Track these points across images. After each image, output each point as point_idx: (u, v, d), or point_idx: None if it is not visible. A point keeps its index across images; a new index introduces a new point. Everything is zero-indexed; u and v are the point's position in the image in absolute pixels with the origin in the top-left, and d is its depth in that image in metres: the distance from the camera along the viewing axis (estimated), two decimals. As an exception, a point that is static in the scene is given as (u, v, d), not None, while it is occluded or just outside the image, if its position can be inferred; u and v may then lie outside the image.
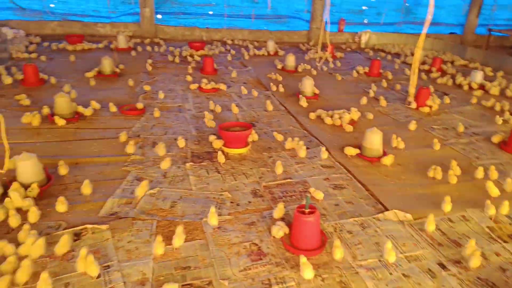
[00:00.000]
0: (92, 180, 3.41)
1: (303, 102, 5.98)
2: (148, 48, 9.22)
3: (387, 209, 3.34)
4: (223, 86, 6.55)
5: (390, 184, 3.82)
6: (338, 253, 2.69)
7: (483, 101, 6.50)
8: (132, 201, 3.27)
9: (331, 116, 5.38)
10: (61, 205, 3.05)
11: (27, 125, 4.64)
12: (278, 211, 3.12)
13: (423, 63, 9.07)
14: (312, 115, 5.47)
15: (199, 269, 2.57)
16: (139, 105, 5.34)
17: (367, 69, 8.21)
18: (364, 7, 12.38)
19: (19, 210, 3.01)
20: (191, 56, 8.77)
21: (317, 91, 6.48)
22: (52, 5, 10.26)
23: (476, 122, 5.67)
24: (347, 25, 12.05)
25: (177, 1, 10.95)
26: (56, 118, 4.71)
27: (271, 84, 6.91)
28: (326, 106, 5.89)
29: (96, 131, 4.65)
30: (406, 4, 12.54)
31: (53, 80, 6.29)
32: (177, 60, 8.29)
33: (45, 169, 3.49)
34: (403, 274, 2.62)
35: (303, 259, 2.55)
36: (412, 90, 6.20)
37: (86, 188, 3.29)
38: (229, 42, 10.79)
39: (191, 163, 3.98)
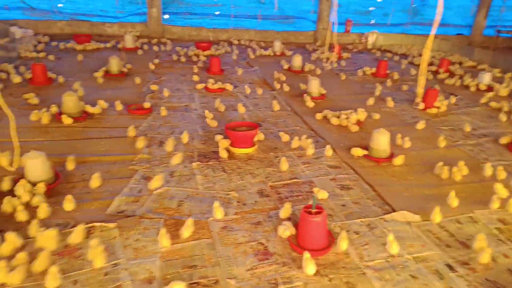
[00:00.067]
0: (97, 187, 3.46)
1: (309, 103, 5.97)
2: (155, 48, 9.27)
3: (394, 210, 3.32)
4: (229, 86, 6.56)
5: (397, 185, 3.80)
6: (344, 244, 2.75)
7: (491, 102, 6.46)
8: (139, 199, 3.29)
9: (338, 117, 5.37)
10: (68, 203, 3.08)
11: (35, 123, 4.69)
12: (285, 211, 3.12)
13: (431, 64, 9.02)
14: (319, 116, 5.46)
15: (206, 268, 2.58)
16: (146, 105, 5.36)
17: (374, 70, 8.18)
18: (371, 8, 12.34)
19: (28, 206, 3.04)
20: (197, 56, 8.80)
21: (323, 92, 6.47)
22: (60, 5, 10.34)
23: (484, 124, 5.63)
24: (354, 26, 12.02)
25: (184, 1, 10.99)
26: (63, 117, 4.75)
27: (277, 84, 6.91)
28: (333, 107, 5.88)
29: (103, 130, 4.68)
30: (414, 5, 12.48)
31: (61, 79, 6.34)
32: (183, 59, 8.32)
33: (53, 167, 3.51)
34: (411, 275, 2.60)
35: (306, 255, 2.57)
36: (420, 91, 6.17)
37: (95, 181, 3.38)
38: (235, 42, 10.81)
39: (198, 163, 3.99)
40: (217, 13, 11.38)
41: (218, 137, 4.42)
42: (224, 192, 3.48)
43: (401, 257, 2.77)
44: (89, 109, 5.05)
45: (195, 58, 8.43)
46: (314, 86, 6.32)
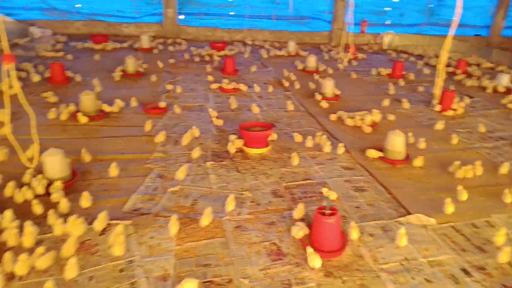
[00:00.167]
0: (115, 176, 3.57)
1: (323, 103, 5.95)
2: (170, 48, 9.35)
3: (409, 213, 3.29)
4: (243, 86, 6.58)
5: (412, 187, 3.76)
6: (355, 233, 2.85)
7: (509, 104, 6.34)
8: (155, 197, 3.33)
9: (352, 118, 5.34)
10: (85, 201, 3.14)
11: (53, 121, 4.79)
12: (298, 211, 3.12)
13: (448, 65, 8.89)
14: (333, 116, 5.44)
15: (220, 267, 2.60)
16: (162, 104, 5.42)
17: (389, 71, 8.11)
18: (386, 8, 12.22)
19: (43, 201, 3.11)
20: (210, 55, 8.84)
21: (338, 92, 6.44)
22: (78, 5, 10.51)
23: (501, 126, 5.53)
24: (369, 26, 11.92)
25: (199, 1, 11.06)
26: (79, 115, 4.82)
27: (291, 84, 6.91)
28: (347, 107, 5.85)
29: (120, 129, 4.75)
30: (430, 5, 12.31)
31: (78, 78, 6.45)
32: (197, 59, 8.38)
33: (71, 164, 3.58)
34: (426, 279, 2.58)
35: (309, 249, 2.63)
36: (437, 92, 6.09)
37: (113, 170, 3.57)
38: (249, 42, 10.82)
39: (212, 162, 4.02)
40: (231, 13, 11.42)
41: (232, 137, 4.44)
42: (238, 192, 3.50)
43: (416, 261, 2.74)
44: (106, 108, 5.13)
45: (207, 58, 8.49)
46: (329, 87, 6.29)
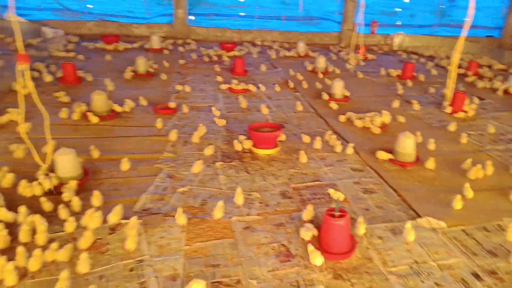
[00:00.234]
0: (126, 176, 3.61)
1: (333, 104, 5.94)
2: (181, 48, 9.40)
3: (419, 216, 3.27)
4: (253, 87, 6.59)
5: (422, 190, 3.74)
6: (362, 229, 2.91)
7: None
8: (164, 197, 3.36)
9: (362, 119, 5.32)
10: (96, 200, 3.17)
11: (65, 120, 4.85)
12: (307, 213, 3.12)
13: (459, 66, 8.78)
14: (342, 118, 5.42)
15: (228, 268, 2.61)
16: (172, 104, 5.46)
17: (399, 72, 8.05)
18: (397, 9, 12.14)
19: (52, 199, 3.17)
20: (219, 56, 8.87)
21: (347, 94, 6.41)
22: (89, 6, 10.62)
23: (514, 129, 5.47)
24: (379, 27, 11.84)
25: (209, 2, 11.10)
26: (90, 115, 4.87)
27: (291, 83, 6.93)
28: (357, 109, 5.83)
29: (130, 129, 4.79)
30: (442, 6, 12.20)
31: (89, 78, 6.52)
32: (206, 60, 8.42)
33: (82, 164, 3.63)
34: (435, 283, 2.56)
35: (310, 247, 2.67)
36: (449, 94, 6.04)
37: (125, 165, 3.71)
38: (259, 43, 10.84)
39: (221, 163, 4.03)
40: (242, 14, 11.43)
41: (241, 138, 4.46)
42: (246, 193, 3.51)
43: (426, 264, 2.72)
44: (117, 108, 5.18)
45: (215, 58, 8.53)
46: (338, 88, 6.27)
